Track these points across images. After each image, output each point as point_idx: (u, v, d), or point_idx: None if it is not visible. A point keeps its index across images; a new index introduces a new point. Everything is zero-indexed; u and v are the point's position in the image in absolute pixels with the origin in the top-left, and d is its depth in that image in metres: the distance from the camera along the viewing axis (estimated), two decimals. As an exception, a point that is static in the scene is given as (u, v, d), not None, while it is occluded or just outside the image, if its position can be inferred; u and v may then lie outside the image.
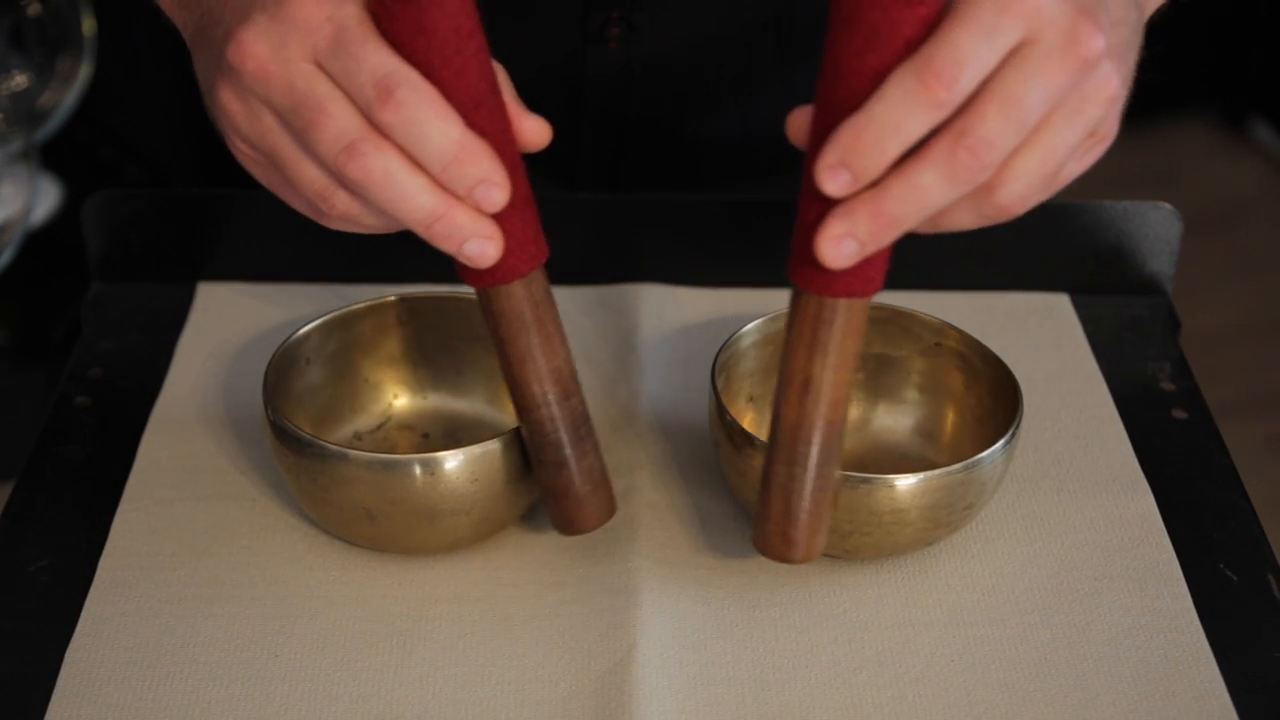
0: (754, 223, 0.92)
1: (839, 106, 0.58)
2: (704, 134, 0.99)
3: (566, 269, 0.91)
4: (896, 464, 0.79)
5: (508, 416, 0.80)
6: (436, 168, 0.60)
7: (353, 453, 0.69)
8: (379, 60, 0.59)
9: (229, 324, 0.89)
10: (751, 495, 0.72)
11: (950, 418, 0.79)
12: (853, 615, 0.71)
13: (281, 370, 0.75)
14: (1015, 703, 0.67)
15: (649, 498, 0.77)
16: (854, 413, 0.81)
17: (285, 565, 0.73)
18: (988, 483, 0.71)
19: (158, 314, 0.90)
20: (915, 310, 0.79)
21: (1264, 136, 2.70)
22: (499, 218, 0.62)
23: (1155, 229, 0.90)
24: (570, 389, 0.68)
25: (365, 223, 0.64)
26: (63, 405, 0.83)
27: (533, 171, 1.00)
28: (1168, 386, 0.85)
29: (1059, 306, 0.91)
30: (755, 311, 0.79)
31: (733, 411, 0.74)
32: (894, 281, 0.90)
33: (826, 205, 0.59)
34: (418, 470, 0.68)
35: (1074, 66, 0.57)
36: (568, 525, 0.70)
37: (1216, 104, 2.75)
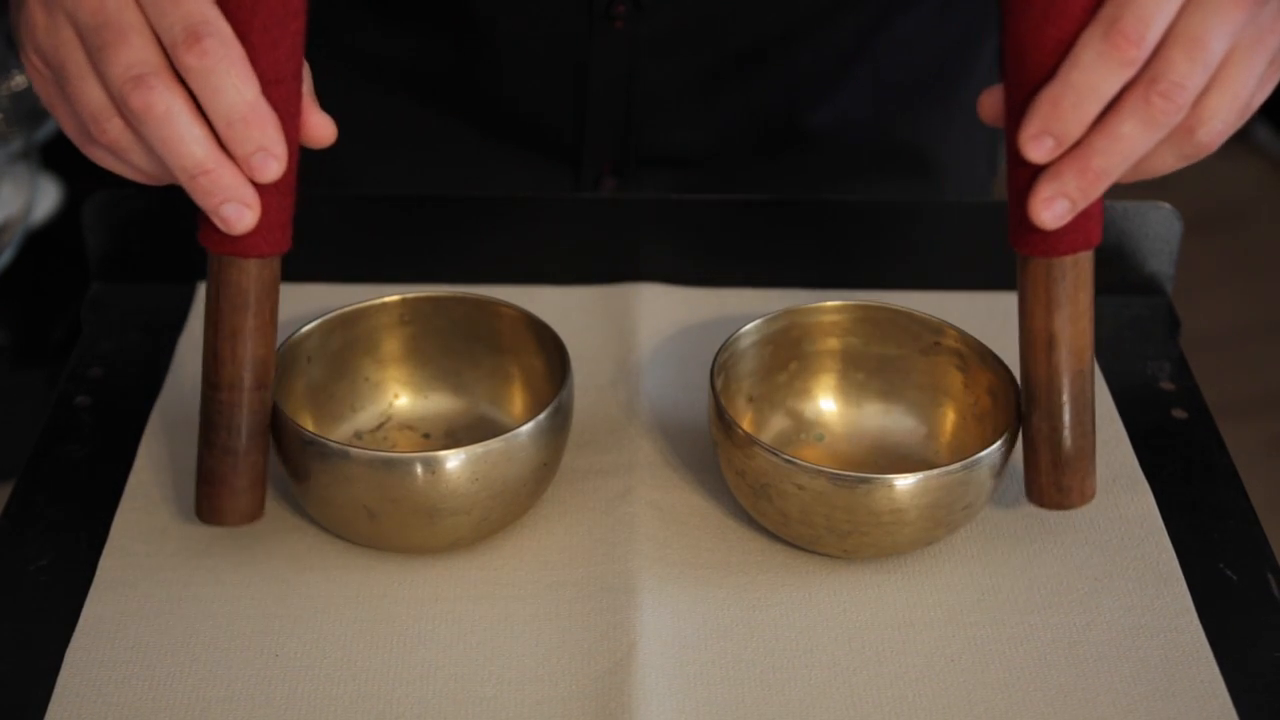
0: (754, 223, 0.92)
1: (1029, 79, 0.62)
2: (712, 114, 0.99)
3: (567, 269, 0.92)
4: (896, 464, 0.79)
5: (509, 417, 0.80)
6: (222, 123, 0.61)
7: (353, 451, 0.69)
8: (196, 5, 0.60)
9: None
10: (750, 494, 0.72)
11: (950, 417, 0.79)
12: (852, 615, 0.71)
13: (282, 369, 0.75)
14: (1015, 702, 0.67)
15: (649, 498, 0.77)
16: (853, 412, 0.81)
17: (285, 565, 0.73)
18: (987, 482, 0.71)
19: (158, 314, 0.90)
20: (915, 310, 0.79)
21: (1264, 136, 2.70)
22: (261, 193, 0.63)
23: (1155, 229, 0.90)
24: (264, 381, 0.68)
25: (131, 159, 0.64)
26: (63, 405, 0.83)
27: (541, 155, 1.01)
28: (1168, 386, 0.86)
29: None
30: (755, 311, 0.79)
31: (732, 411, 0.74)
32: (894, 281, 0.91)
33: (1034, 172, 0.63)
34: (418, 469, 0.68)
35: (1248, 2, 0.61)
36: (213, 514, 0.69)
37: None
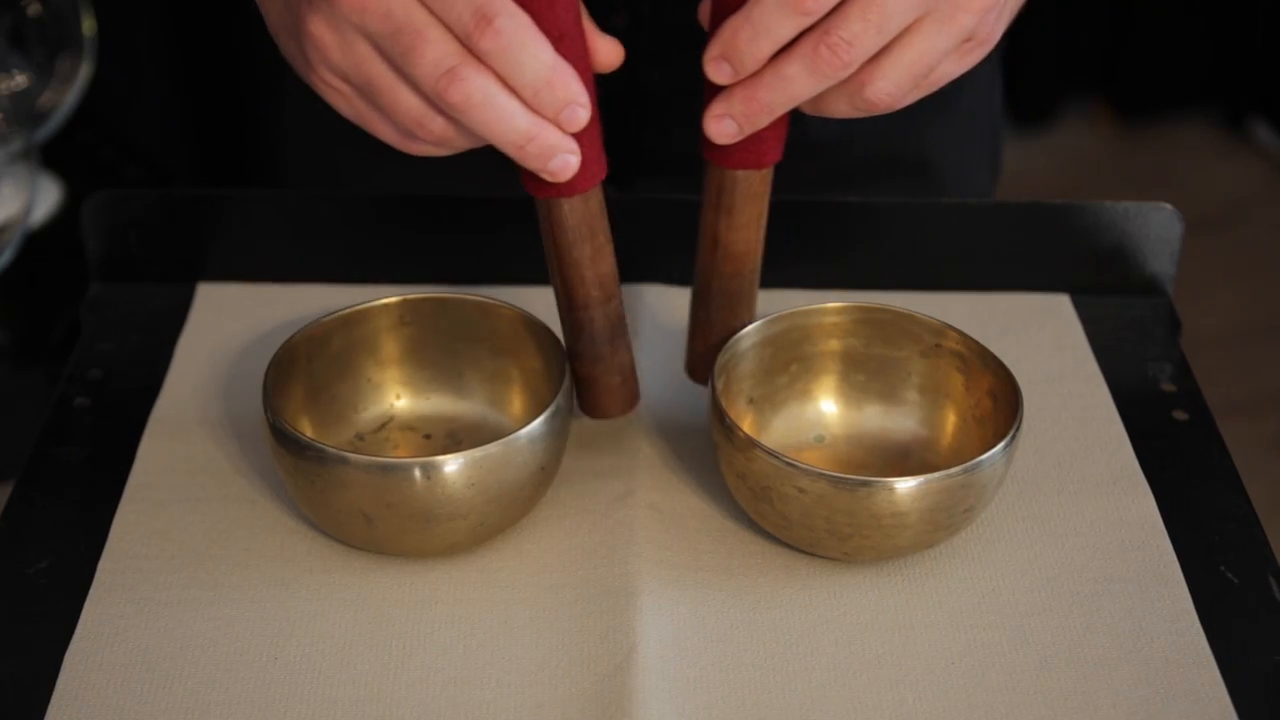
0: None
1: (726, 7, 0.66)
2: None
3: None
4: (896, 466, 0.78)
5: (509, 418, 0.80)
6: (529, 92, 0.64)
7: (351, 455, 0.69)
8: None
9: (229, 324, 0.89)
10: (750, 497, 0.72)
11: (950, 419, 0.79)
12: (853, 618, 0.71)
13: (282, 370, 0.75)
14: (1016, 705, 0.67)
15: (649, 499, 0.77)
16: (853, 414, 0.81)
17: (285, 567, 0.73)
18: (988, 485, 0.71)
19: (158, 314, 0.89)
20: (915, 311, 0.79)
21: (1264, 136, 2.69)
22: (576, 136, 0.67)
23: (1156, 229, 0.90)
24: (612, 292, 0.73)
25: (455, 145, 0.68)
26: (63, 405, 0.82)
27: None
28: (1168, 387, 0.85)
29: (1059, 307, 0.91)
30: (756, 312, 0.79)
31: (732, 413, 0.74)
32: (894, 282, 0.91)
33: (717, 90, 0.69)
34: (415, 474, 0.68)
35: None
36: (594, 410, 0.77)
37: (1216, 104, 2.75)
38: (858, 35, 0.64)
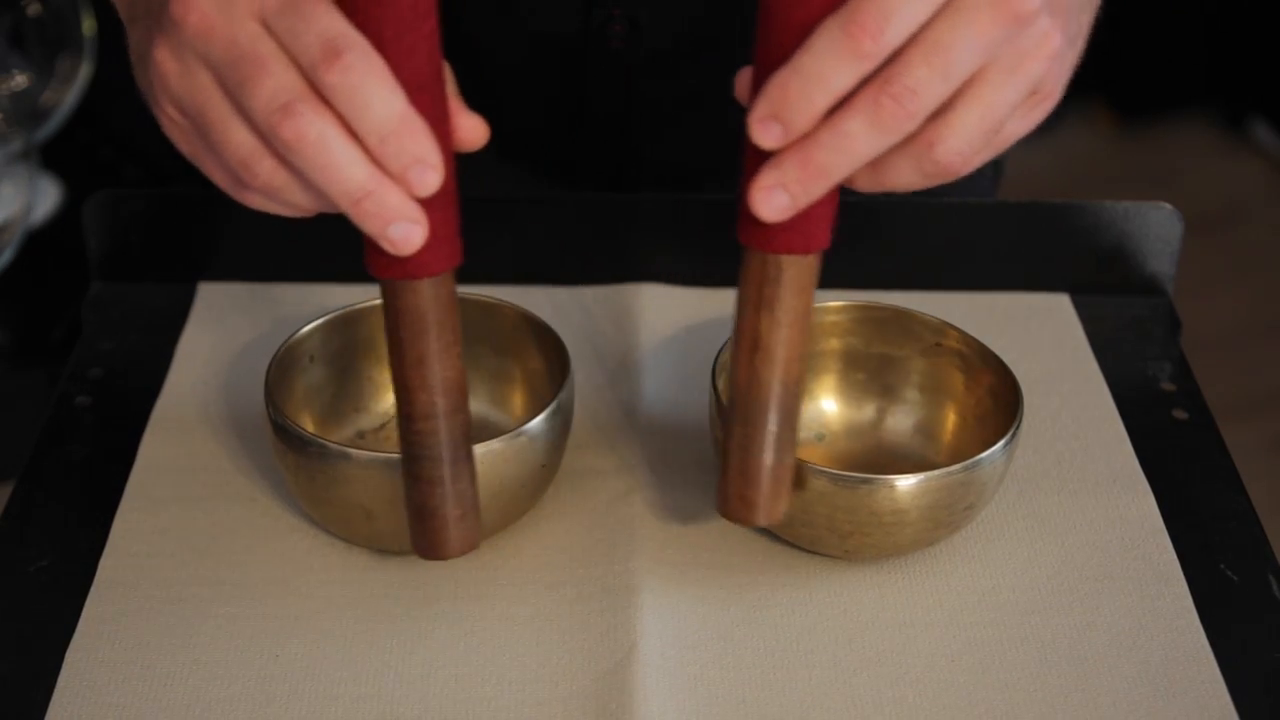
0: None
1: (770, 62, 0.58)
2: (708, 133, 0.99)
3: (566, 269, 0.92)
4: (896, 464, 0.79)
5: (509, 417, 0.80)
6: (374, 139, 0.57)
7: (353, 452, 0.69)
8: (329, 22, 0.57)
9: (229, 324, 0.89)
10: (752, 495, 0.72)
11: (950, 418, 0.79)
12: (853, 616, 0.71)
13: (284, 369, 0.75)
14: (1016, 703, 0.67)
15: (649, 498, 0.77)
16: (854, 413, 0.81)
17: (286, 565, 0.73)
18: (988, 483, 0.71)
19: (158, 314, 0.89)
20: (915, 310, 0.79)
21: (1264, 136, 2.70)
22: (424, 207, 0.59)
23: (1155, 229, 0.90)
24: (459, 404, 0.64)
25: (288, 198, 0.61)
26: (63, 405, 0.82)
27: (538, 175, 1.01)
28: (1168, 387, 0.85)
29: (1059, 306, 0.91)
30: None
31: (733, 412, 0.74)
32: (894, 281, 0.91)
33: (763, 159, 0.59)
34: (418, 470, 0.68)
35: (1006, 20, 0.57)
36: (429, 548, 0.66)
37: (1216, 104, 2.75)
38: (922, 82, 0.57)
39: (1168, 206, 0.90)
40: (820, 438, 0.80)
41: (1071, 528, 0.76)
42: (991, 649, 0.69)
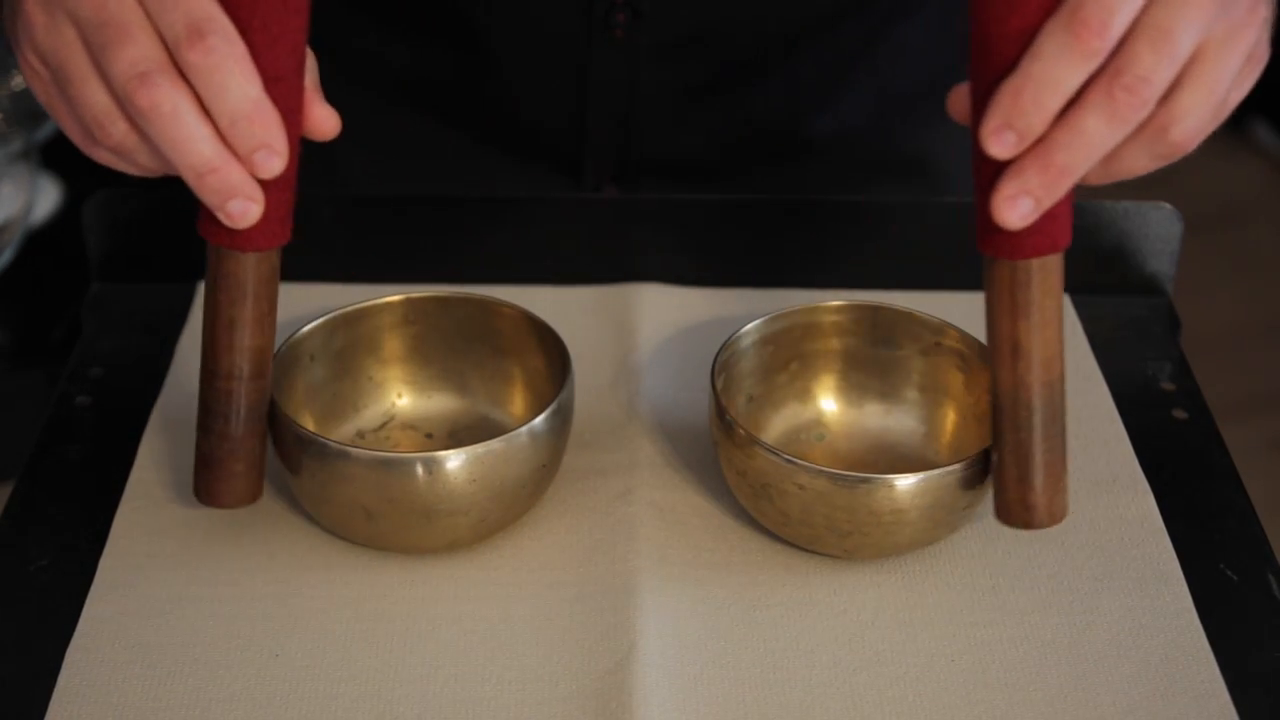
0: (754, 223, 0.92)
1: (993, 73, 0.60)
2: (712, 122, 0.99)
3: (566, 269, 0.92)
4: (896, 464, 0.79)
5: (510, 417, 0.80)
6: (225, 121, 0.60)
7: (353, 451, 0.69)
8: (198, 2, 0.60)
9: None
10: (751, 494, 0.72)
11: (950, 417, 0.79)
12: (853, 615, 0.71)
13: (284, 368, 0.75)
14: (1015, 703, 0.67)
15: (649, 498, 0.77)
16: (854, 413, 0.81)
17: (286, 565, 0.73)
18: (988, 483, 0.71)
19: (158, 314, 0.89)
20: (915, 310, 0.79)
21: (1264, 136, 2.70)
22: (264, 188, 0.63)
23: (1155, 229, 0.90)
24: (261, 371, 0.68)
25: (136, 159, 0.64)
26: (63, 405, 0.82)
27: (541, 164, 1.01)
28: (1168, 386, 0.85)
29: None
30: (755, 311, 0.79)
31: (732, 411, 0.74)
32: (894, 281, 0.91)
33: (997, 169, 0.61)
34: (417, 469, 0.68)
35: None
36: (210, 496, 0.70)
37: (1216, 104, 2.74)
38: (1152, 69, 0.58)
39: (1167, 206, 0.90)
40: (820, 438, 0.80)
41: (1071, 527, 0.76)
42: (991, 648, 0.69)
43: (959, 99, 0.63)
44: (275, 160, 0.61)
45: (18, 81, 1.43)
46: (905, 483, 0.68)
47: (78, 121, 0.64)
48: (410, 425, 0.80)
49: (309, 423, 0.77)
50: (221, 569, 0.73)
